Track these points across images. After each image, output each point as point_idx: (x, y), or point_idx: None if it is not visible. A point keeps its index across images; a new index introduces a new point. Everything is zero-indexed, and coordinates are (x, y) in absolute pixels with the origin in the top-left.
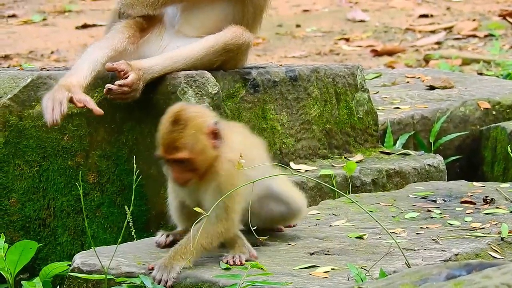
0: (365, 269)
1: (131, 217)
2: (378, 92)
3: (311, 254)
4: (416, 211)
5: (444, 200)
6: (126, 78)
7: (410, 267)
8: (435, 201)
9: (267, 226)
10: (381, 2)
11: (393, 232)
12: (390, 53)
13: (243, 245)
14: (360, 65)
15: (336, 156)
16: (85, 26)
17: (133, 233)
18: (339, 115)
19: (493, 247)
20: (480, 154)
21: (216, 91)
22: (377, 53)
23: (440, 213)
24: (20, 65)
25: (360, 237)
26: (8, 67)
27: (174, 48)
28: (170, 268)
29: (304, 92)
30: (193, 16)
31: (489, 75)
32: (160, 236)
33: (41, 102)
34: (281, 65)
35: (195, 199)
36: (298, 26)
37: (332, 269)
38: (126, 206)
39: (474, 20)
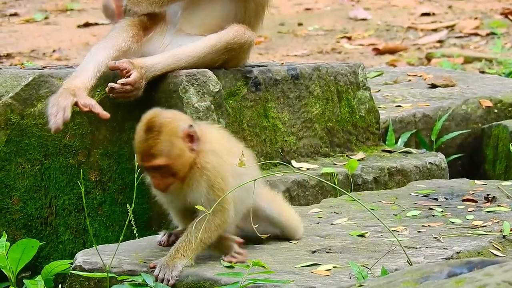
0: (367, 267)
1: (132, 215)
2: (380, 90)
3: (313, 252)
4: (417, 209)
5: (446, 198)
6: (129, 76)
7: (411, 265)
8: (436, 199)
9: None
10: (383, 1)
11: (394, 230)
12: (392, 51)
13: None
14: (362, 63)
15: (338, 154)
16: (87, 24)
17: (134, 231)
18: (340, 113)
19: (495, 245)
20: (482, 152)
21: (217, 90)
22: (379, 52)
23: (442, 211)
24: (22, 64)
25: (362, 235)
26: (10, 65)
27: (176, 47)
28: (172, 266)
29: (305, 90)
30: (195, 14)
31: (491, 74)
32: (162, 236)
33: (46, 107)
34: (282, 63)
35: (181, 201)
36: (300, 24)
37: (333, 267)
38: (127, 204)
39: (476, 18)
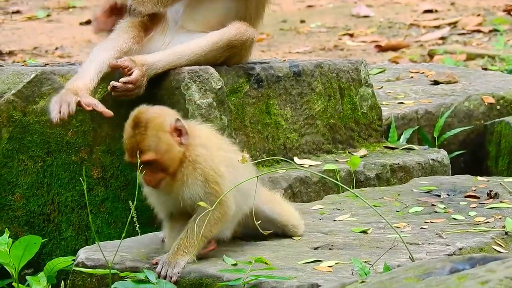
0: (369, 264)
1: (135, 212)
2: (382, 87)
3: (315, 248)
4: (420, 205)
5: (448, 195)
6: (130, 74)
7: (414, 261)
8: (439, 196)
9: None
10: None
11: (397, 227)
12: (394, 48)
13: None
14: (364, 60)
15: (340, 151)
16: (89, 22)
17: (137, 228)
18: (343, 110)
19: (497, 241)
20: (485, 149)
21: (220, 86)
22: (381, 49)
23: (444, 207)
24: (24, 61)
25: (364, 232)
26: (12, 63)
27: (177, 44)
28: (174, 263)
29: (308, 87)
30: (196, 12)
31: (494, 70)
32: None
33: (48, 105)
34: (285, 60)
35: (174, 200)
36: (302, 21)
37: (336, 263)
38: (130, 201)
39: (478, 15)
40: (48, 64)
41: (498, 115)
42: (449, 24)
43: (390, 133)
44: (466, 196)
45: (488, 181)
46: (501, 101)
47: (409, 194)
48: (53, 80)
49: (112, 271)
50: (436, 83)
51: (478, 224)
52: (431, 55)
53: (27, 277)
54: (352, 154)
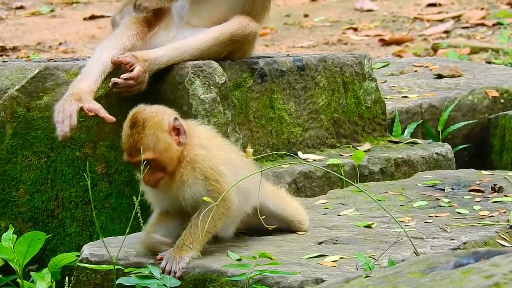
0: (373, 258)
1: (139, 207)
2: (386, 81)
3: (320, 243)
4: (424, 199)
5: (453, 189)
6: (132, 70)
7: (418, 255)
8: (443, 190)
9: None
10: None
11: (401, 221)
12: (398, 42)
13: None
14: (368, 54)
15: (344, 145)
16: (92, 17)
17: (141, 224)
18: (346, 104)
19: (502, 235)
20: (489, 143)
21: (223, 81)
22: (385, 43)
23: (449, 201)
24: (28, 57)
25: (369, 226)
26: (16, 58)
27: (181, 39)
28: (179, 259)
29: (311, 81)
30: (201, 7)
31: (498, 64)
32: None
33: (53, 114)
34: (288, 54)
35: (173, 199)
36: (306, 16)
37: (340, 258)
38: (134, 197)
39: (482, 8)
40: (51, 59)
41: (502, 108)
42: (453, 18)
43: (394, 127)
44: (470, 190)
45: (492, 175)
46: (505, 94)
47: (413, 188)
48: (56, 76)
49: (117, 267)
50: (440, 76)
51: (482, 218)
52: (435, 49)
53: (32, 273)
54: (356, 149)
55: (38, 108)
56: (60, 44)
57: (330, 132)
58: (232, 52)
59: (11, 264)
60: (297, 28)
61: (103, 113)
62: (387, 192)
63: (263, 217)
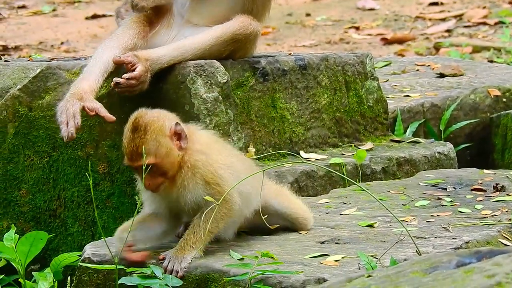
0: (375, 257)
1: (141, 207)
2: (388, 80)
3: (322, 243)
4: (426, 199)
5: (455, 188)
6: (134, 70)
7: (420, 255)
8: (445, 189)
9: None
10: None
11: (403, 220)
12: (400, 41)
13: None
14: (370, 53)
15: (346, 145)
16: (94, 16)
17: None
18: (348, 103)
19: (504, 234)
20: (491, 142)
21: (225, 80)
22: (387, 42)
23: (451, 200)
24: (30, 56)
25: (371, 226)
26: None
27: (182, 38)
28: (181, 258)
29: (313, 80)
30: (202, 6)
31: (499, 63)
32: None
33: (56, 114)
34: (290, 53)
35: (173, 204)
36: (308, 15)
37: (342, 257)
38: (136, 196)
39: (484, 7)
40: (53, 58)
41: (504, 107)
42: (455, 17)
43: (396, 126)
44: (472, 189)
45: (495, 174)
46: (507, 93)
47: (415, 188)
48: (58, 75)
49: (119, 267)
50: (442, 76)
51: (484, 217)
52: (437, 47)
53: (34, 273)
54: (358, 148)
55: (40, 108)
56: (62, 43)
57: (332, 131)
58: (234, 51)
59: (13, 264)
60: (299, 27)
61: (103, 112)
62: (389, 191)
63: (266, 216)
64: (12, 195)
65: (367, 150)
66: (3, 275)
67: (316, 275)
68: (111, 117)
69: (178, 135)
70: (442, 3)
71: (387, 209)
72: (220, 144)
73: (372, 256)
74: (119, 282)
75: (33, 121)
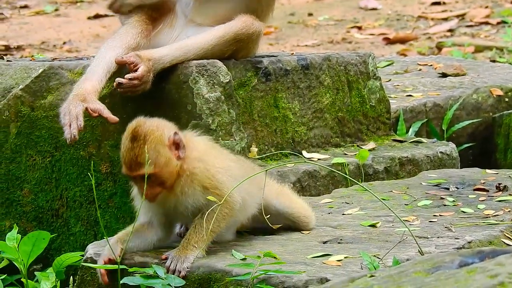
0: (378, 257)
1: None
2: (390, 80)
3: (324, 242)
4: (429, 198)
5: (457, 188)
6: (136, 70)
7: (423, 255)
8: (448, 189)
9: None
10: None
11: (406, 220)
12: (402, 41)
13: None
14: (372, 53)
15: (349, 144)
16: (97, 16)
17: None
18: (351, 103)
19: (506, 234)
20: (493, 141)
21: (227, 80)
22: (389, 41)
23: (453, 200)
24: (32, 56)
25: (373, 225)
26: (20, 57)
27: (185, 38)
28: (183, 258)
29: (316, 80)
30: (206, 5)
31: (502, 62)
32: (180, 227)
33: (59, 116)
34: (292, 53)
35: (171, 210)
36: (310, 14)
37: (345, 257)
38: (138, 196)
39: (486, 7)
40: (56, 58)
41: (506, 107)
42: (457, 16)
43: (399, 126)
44: (475, 189)
45: (497, 173)
46: (509, 93)
47: (418, 187)
48: (61, 75)
49: (121, 267)
50: (444, 75)
51: (487, 217)
52: (439, 47)
53: (36, 273)
54: (361, 148)
55: (42, 108)
56: (64, 43)
57: (335, 131)
58: (236, 51)
59: (15, 264)
60: (301, 27)
61: (106, 113)
62: (391, 191)
63: (268, 216)
64: (14, 195)
65: (369, 150)
66: (6, 275)
67: (319, 275)
68: (114, 118)
69: (177, 145)
70: (444, 3)
71: (389, 209)
72: (216, 150)
73: (374, 256)
74: (121, 282)
75: (36, 121)
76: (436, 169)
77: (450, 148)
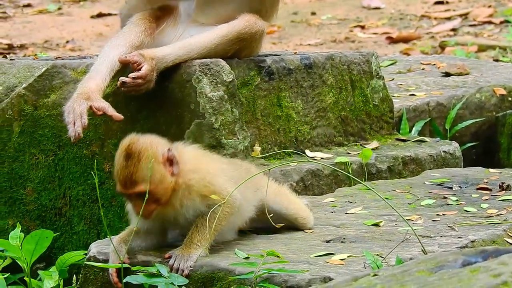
0: (381, 257)
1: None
2: (393, 79)
3: (327, 241)
4: (432, 198)
5: (460, 187)
6: (140, 69)
7: (426, 254)
8: (451, 188)
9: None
10: None
11: (409, 219)
12: (405, 40)
13: None
14: (375, 52)
15: (352, 144)
16: (100, 15)
17: None
18: (354, 102)
19: (510, 234)
20: (496, 141)
21: (231, 79)
22: (392, 40)
23: (456, 200)
24: (35, 55)
25: (376, 224)
26: (23, 56)
27: (188, 37)
28: (187, 257)
29: (319, 79)
30: (209, 5)
31: (505, 62)
32: None
33: (63, 115)
34: (296, 52)
35: (168, 222)
36: (313, 13)
37: (348, 256)
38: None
39: (489, 6)
40: (59, 57)
41: (509, 106)
42: (460, 16)
43: (402, 125)
44: (478, 188)
45: (500, 173)
46: None
47: (421, 187)
48: (64, 74)
49: (124, 265)
50: (447, 74)
51: (490, 217)
52: (442, 46)
53: (39, 272)
54: (364, 147)
55: (45, 106)
56: (67, 42)
57: (338, 130)
58: (239, 50)
59: (18, 262)
60: (304, 26)
61: (111, 111)
62: (394, 190)
63: (271, 215)
64: (17, 193)
65: (372, 149)
66: (9, 274)
67: (322, 274)
68: (119, 116)
69: (170, 161)
70: (447, 2)
71: (392, 208)
72: (208, 157)
73: (377, 255)
74: (124, 280)
75: (39, 120)
76: (439, 168)
77: (453, 147)
